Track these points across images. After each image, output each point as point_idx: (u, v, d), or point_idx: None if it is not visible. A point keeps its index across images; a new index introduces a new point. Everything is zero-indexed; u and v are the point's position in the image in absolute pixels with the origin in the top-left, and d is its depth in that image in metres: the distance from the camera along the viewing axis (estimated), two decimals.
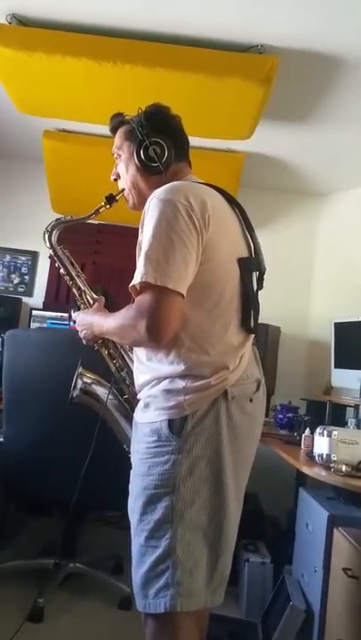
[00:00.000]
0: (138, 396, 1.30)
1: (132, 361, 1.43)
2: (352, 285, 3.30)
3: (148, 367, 1.25)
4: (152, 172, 1.33)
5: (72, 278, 1.62)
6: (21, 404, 2.14)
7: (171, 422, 1.16)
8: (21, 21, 2.11)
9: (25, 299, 3.55)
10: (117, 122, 1.43)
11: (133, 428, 1.32)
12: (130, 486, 1.26)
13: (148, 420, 1.22)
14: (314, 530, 1.94)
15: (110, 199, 1.48)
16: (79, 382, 1.59)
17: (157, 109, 1.39)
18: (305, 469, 1.95)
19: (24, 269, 3.61)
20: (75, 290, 1.61)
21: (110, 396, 1.51)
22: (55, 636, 1.95)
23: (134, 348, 1.32)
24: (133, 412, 1.35)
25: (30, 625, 1.97)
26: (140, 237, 1.22)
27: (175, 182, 1.23)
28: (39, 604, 2.04)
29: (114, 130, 1.44)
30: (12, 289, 3.60)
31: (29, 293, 3.59)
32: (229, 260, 1.24)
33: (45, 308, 3.44)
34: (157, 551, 1.15)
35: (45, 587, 2.13)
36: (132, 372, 1.42)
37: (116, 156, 1.44)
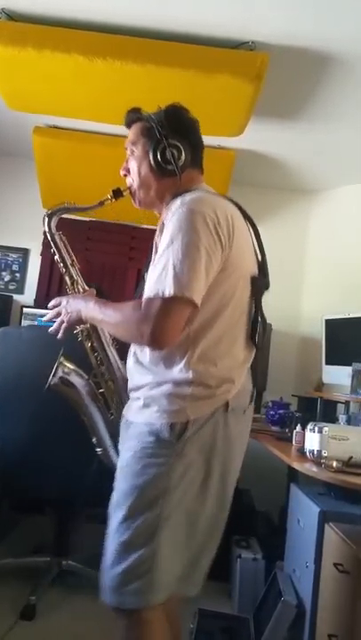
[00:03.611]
0: (133, 395, 1.30)
1: (115, 357, 1.45)
2: (343, 282, 3.31)
3: (150, 370, 1.25)
4: (166, 174, 1.31)
5: (66, 266, 1.60)
6: (13, 402, 2.13)
7: (172, 426, 1.18)
8: (11, 16, 2.09)
9: (16, 296, 3.53)
10: (135, 117, 1.38)
11: (124, 425, 1.31)
12: (115, 482, 1.26)
13: (146, 420, 1.22)
14: (305, 525, 1.96)
15: (117, 193, 1.44)
16: (59, 370, 1.59)
17: (179, 111, 1.35)
18: (296, 465, 1.96)
19: (15, 267, 3.59)
20: (67, 278, 1.59)
21: (87, 388, 1.52)
22: (47, 634, 1.95)
23: (135, 350, 1.31)
24: (108, 406, 1.37)
25: (22, 622, 1.97)
26: (156, 239, 1.23)
27: (202, 194, 1.23)
28: (31, 601, 2.04)
29: (129, 124, 1.40)
30: (2, 286, 3.58)
31: (20, 291, 3.57)
32: (244, 276, 1.26)
33: (37, 305, 3.43)
34: (141, 550, 1.15)
35: (37, 584, 2.13)
36: (111, 366, 1.44)
37: (129, 151, 1.39)
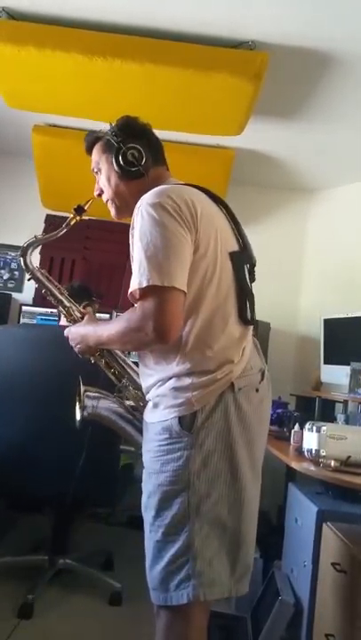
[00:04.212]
0: (146, 398, 1.32)
1: (131, 367, 1.45)
2: (342, 281, 3.32)
3: (154, 370, 1.27)
4: (133, 176, 1.35)
5: (55, 298, 1.59)
6: (6, 401, 2.13)
7: (181, 419, 1.19)
8: (11, 15, 2.09)
9: (15, 294, 3.53)
10: (91, 139, 1.45)
11: (144, 429, 1.32)
12: (143, 485, 1.28)
13: (158, 418, 1.24)
14: (303, 525, 1.96)
15: (79, 210, 1.51)
16: (88, 401, 1.51)
17: (127, 119, 1.41)
18: (294, 464, 1.97)
19: (13, 265, 3.59)
20: (61, 308, 1.58)
21: (114, 405, 1.49)
22: (46, 632, 1.95)
23: (140, 355, 1.33)
24: (137, 417, 1.38)
25: (20, 621, 1.97)
26: (131, 241, 1.24)
27: (160, 187, 1.25)
28: (29, 600, 2.03)
29: (89, 149, 1.46)
30: (1, 285, 3.58)
31: (19, 289, 3.58)
32: (222, 254, 1.26)
33: (35, 303, 3.43)
34: (176, 545, 1.17)
35: (35, 583, 2.13)
36: (131, 377, 1.44)
37: (96, 171, 1.46)
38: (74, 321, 1.55)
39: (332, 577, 1.65)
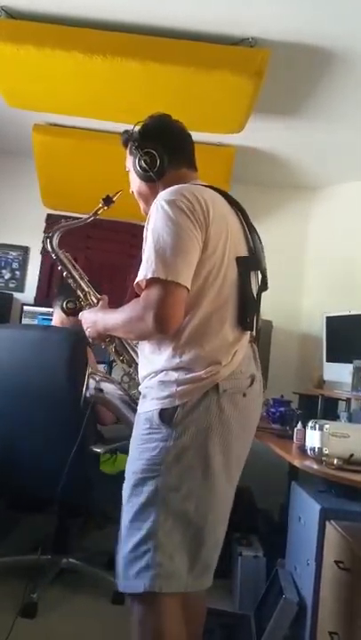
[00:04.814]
0: (139, 389, 1.34)
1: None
2: (344, 279, 3.31)
3: (149, 360, 1.30)
4: (150, 180, 1.40)
5: (75, 280, 1.68)
6: (6, 401, 2.13)
7: (162, 411, 1.22)
8: (11, 14, 2.09)
9: (16, 294, 3.53)
10: (123, 140, 1.48)
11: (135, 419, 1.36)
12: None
13: (143, 409, 1.27)
14: (306, 523, 1.96)
15: (107, 201, 1.57)
16: (91, 382, 1.59)
17: (153, 119, 1.45)
18: (297, 463, 1.96)
19: (15, 265, 3.59)
20: (79, 291, 1.67)
21: (120, 392, 1.54)
22: (48, 631, 1.95)
23: (140, 343, 1.36)
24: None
25: (23, 620, 1.97)
26: (145, 235, 1.27)
27: (177, 185, 1.29)
28: (32, 599, 2.04)
29: (124, 147, 1.49)
30: (2, 284, 3.58)
31: (21, 289, 3.57)
32: (229, 258, 1.28)
33: (37, 303, 3.43)
34: (140, 533, 1.19)
35: (38, 582, 2.13)
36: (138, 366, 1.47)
37: (127, 170, 1.50)
38: (89, 305, 1.64)
39: (336, 575, 1.65)
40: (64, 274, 1.69)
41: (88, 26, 2.09)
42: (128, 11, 2.02)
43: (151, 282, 1.18)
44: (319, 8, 1.87)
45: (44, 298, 3.48)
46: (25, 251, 3.58)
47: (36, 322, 3.24)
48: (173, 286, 1.16)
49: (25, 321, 3.26)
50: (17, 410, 2.09)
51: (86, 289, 1.66)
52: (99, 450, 2.01)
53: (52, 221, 3.46)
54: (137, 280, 1.21)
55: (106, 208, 1.60)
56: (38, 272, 3.57)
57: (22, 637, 1.88)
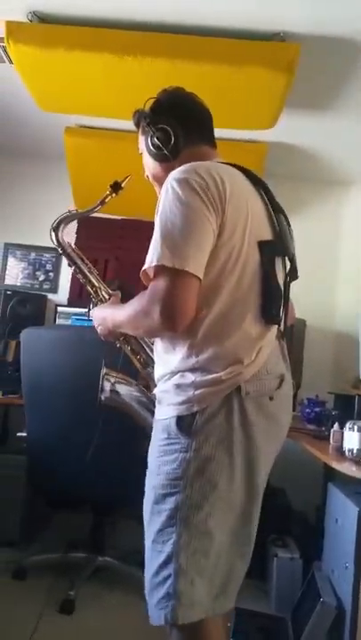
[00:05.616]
0: (154, 392, 1.23)
1: None
2: None
3: (163, 360, 1.18)
4: (165, 159, 1.28)
5: (85, 275, 1.54)
6: (39, 401, 2.18)
7: (179, 419, 1.09)
8: (42, 18, 2.11)
9: (50, 295, 3.58)
10: (135, 120, 1.37)
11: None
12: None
13: (160, 416, 1.16)
14: (344, 525, 1.91)
15: (115, 186, 1.44)
16: (106, 384, 1.48)
17: (166, 93, 1.32)
18: (335, 465, 1.92)
19: (48, 266, 3.64)
20: (89, 287, 1.53)
21: (137, 394, 1.45)
22: (85, 628, 1.97)
23: (155, 341, 1.24)
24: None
25: (62, 616, 2.01)
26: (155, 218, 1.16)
27: (191, 163, 1.15)
28: (70, 596, 2.07)
29: (137, 127, 1.40)
30: (37, 286, 3.63)
31: (54, 290, 3.62)
32: (249, 242, 1.14)
33: (70, 304, 3.47)
34: (161, 556, 1.08)
35: (75, 580, 2.15)
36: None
37: (140, 152, 1.39)
38: (100, 301, 1.51)
39: None
40: (72, 269, 1.55)
41: (117, 27, 2.10)
42: (157, 10, 2.02)
43: (158, 270, 1.05)
44: (348, 0, 1.83)
45: (76, 298, 3.52)
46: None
47: (69, 322, 3.28)
48: (182, 276, 1.03)
49: (59, 321, 3.30)
50: (68, 409, 2.12)
51: (97, 284, 1.51)
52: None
53: (83, 223, 3.51)
54: (143, 268, 1.09)
55: (114, 195, 1.44)
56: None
57: (61, 633, 1.92)
